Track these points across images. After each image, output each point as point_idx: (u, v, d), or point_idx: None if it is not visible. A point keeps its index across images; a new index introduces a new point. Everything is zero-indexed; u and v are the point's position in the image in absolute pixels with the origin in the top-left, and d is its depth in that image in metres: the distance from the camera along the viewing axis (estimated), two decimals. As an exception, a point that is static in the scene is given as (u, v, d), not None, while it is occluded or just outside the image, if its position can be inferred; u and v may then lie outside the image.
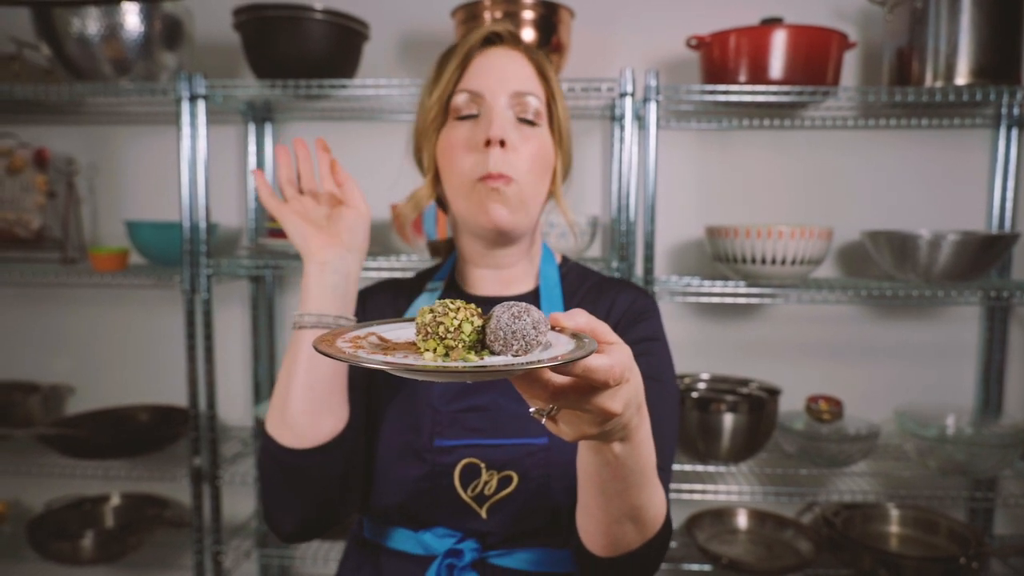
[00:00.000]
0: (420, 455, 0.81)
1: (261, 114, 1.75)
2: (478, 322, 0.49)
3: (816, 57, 1.45)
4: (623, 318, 0.87)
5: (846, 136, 1.69)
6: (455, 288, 0.93)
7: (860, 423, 1.60)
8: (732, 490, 1.59)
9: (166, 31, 1.55)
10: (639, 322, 0.86)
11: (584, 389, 0.49)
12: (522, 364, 0.44)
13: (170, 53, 1.57)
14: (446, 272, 0.95)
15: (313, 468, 0.78)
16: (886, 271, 1.55)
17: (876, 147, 1.69)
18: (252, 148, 1.75)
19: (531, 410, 0.53)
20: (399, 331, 0.56)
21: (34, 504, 1.86)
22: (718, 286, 1.51)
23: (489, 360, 0.48)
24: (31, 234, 1.67)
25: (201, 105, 1.49)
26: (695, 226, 1.71)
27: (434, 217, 1.47)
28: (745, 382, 1.66)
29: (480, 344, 0.50)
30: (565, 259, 0.97)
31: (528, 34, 1.47)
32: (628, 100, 1.44)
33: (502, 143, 0.81)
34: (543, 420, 0.53)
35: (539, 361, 0.45)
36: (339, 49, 1.52)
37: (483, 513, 0.80)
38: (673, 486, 1.55)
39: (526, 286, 0.92)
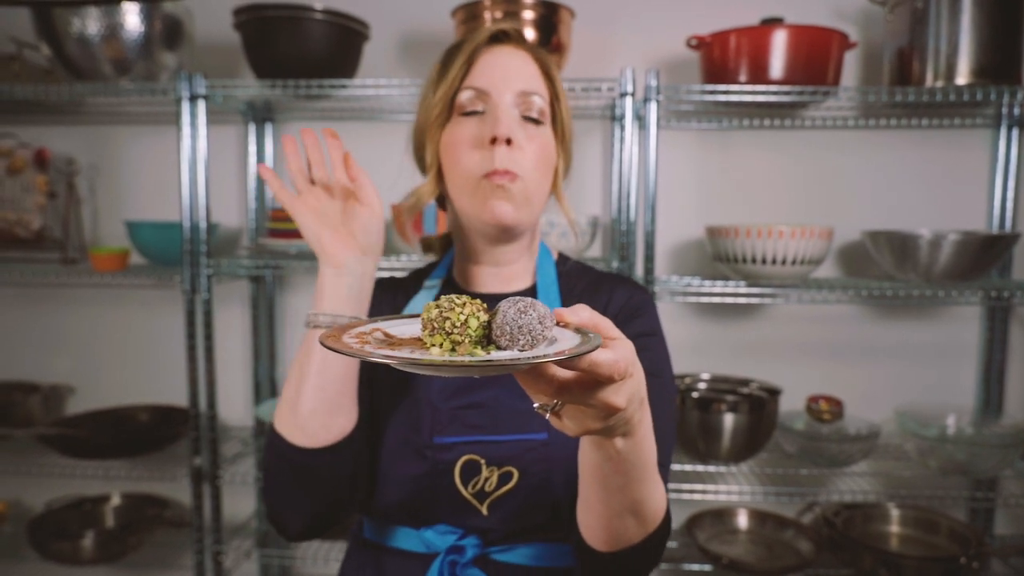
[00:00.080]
0: (420, 452, 0.81)
1: (261, 114, 1.75)
2: (484, 317, 0.50)
3: (816, 57, 1.45)
4: (620, 313, 0.87)
5: (846, 136, 1.69)
6: (453, 285, 0.93)
7: (860, 423, 1.60)
8: (732, 490, 1.59)
9: (166, 31, 1.55)
10: (636, 317, 0.87)
11: (589, 384, 0.49)
12: (528, 358, 0.45)
13: (170, 53, 1.57)
14: (444, 269, 0.95)
15: (323, 467, 0.78)
16: (886, 271, 1.55)
17: (876, 147, 1.69)
18: (252, 148, 1.75)
19: (535, 405, 0.53)
20: (403, 327, 0.56)
21: (34, 504, 1.86)
22: (718, 286, 1.51)
23: (496, 355, 0.48)
24: (31, 234, 1.67)
25: (201, 105, 1.49)
26: (695, 226, 1.71)
27: (434, 216, 1.48)
28: (745, 382, 1.66)
29: (486, 339, 0.50)
30: (562, 256, 0.98)
31: (528, 34, 1.47)
32: (628, 100, 1.44)
33: (508, 141, 0.81)
34: (547, 415, 0.53)
35: (545, 355, 0.45)
36: (339, 49, 1.52)
37: (484, 510, 0.81)
38: (673, 486, 1.55)
39: (524, 283, 0.92)
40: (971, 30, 1.39)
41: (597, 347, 0.46)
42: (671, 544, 1.64)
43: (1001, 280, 1.63)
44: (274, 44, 1.48)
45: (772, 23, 1.45)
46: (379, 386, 0.87)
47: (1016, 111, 1.61)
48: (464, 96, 0.83)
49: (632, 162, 1.47)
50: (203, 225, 1.52)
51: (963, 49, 1.40)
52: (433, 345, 0.49)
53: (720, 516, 1.69)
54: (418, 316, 0.56)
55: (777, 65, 1.45)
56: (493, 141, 0.81)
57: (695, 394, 1.66)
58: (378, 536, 0.87)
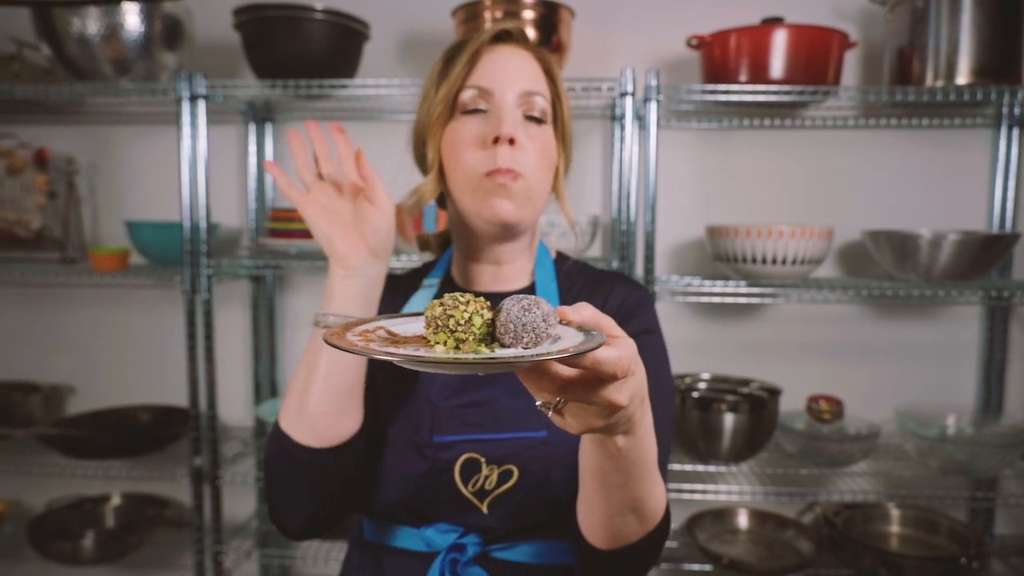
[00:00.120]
0: (420, 451, 0.81)
1: (261, 114, 1.75)
2: (488, 315, 0.50)
3: (817, 57, 1.45)
4: (618, 312, 0.88)
5: (847, 136, 1.69)
6: (451, 284, 0.93)
7: (861, 423, 1.60)
8: (733, 490, 1.59)
9: (166, 31, 1.55)
10: (634, 316, 0.87)
11: (592, 382, 0.49)
12: (532, 356, 0.45)
13: (170, 53, 1.57)
14: (442, 268, 0.95)
15: (330, 467, 0.78)
16: (887, 271, 1.55)
17: (877, 147, 1.69)
18: (252, 148, 1.75)
19: (538, 403, 0.53)
20: (407, 325, 0.56)
21: (35, 504, 1.86)
22: (719, 286, 1.51)
23: (500, 352, 0.48)
24: (31, 234, 1.67)
25: (201, 105, 1.49)
26: (695, 226, 1.71)
27: (434, 215, 1.47)
28: (746, 382, 1.66)
29: (490, 337, 0.50)
30: (560, 255, 0.98)
31: (528, 34, 1.47)
32: (628, 100, 1.44)
33: (511, 141, 0.81)
34: (550, 413, 0.53)
35: (551, 353, 0.45)
36: (339, 49, 1.52)
37: (484, 508, 0.81)
38: (673, 486, 1.55)
39: (523, 282, 0.92)
40: (971, 29, 1.39)
41: (601, 345, 0.46)
42: (671, 544, 1.64)
43: (1001, 280, 1.63)
44: (274, 44, 1.48)
45: (772, 23, 1.45)
46: (377, 386, 0.87)
47: (1016, 111, 1.61)
48: (467, 95, 0.83)
49: (632, 162, 1.47)
50: (203, 225, 1.52)
51: (963, 49, 1.40)
52: (437, 343, 0.49)
53: (720, 516, 1.69)
54: (421, 314, 0.56)
55: (777, 65, 1.44)
56: (496, 141, 0.81)
57: (695, 394, 1.66)
58: (378, 536, 0.87)
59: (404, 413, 0.84)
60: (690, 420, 1.53)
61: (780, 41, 1.44)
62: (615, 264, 1.50)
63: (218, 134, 1.72)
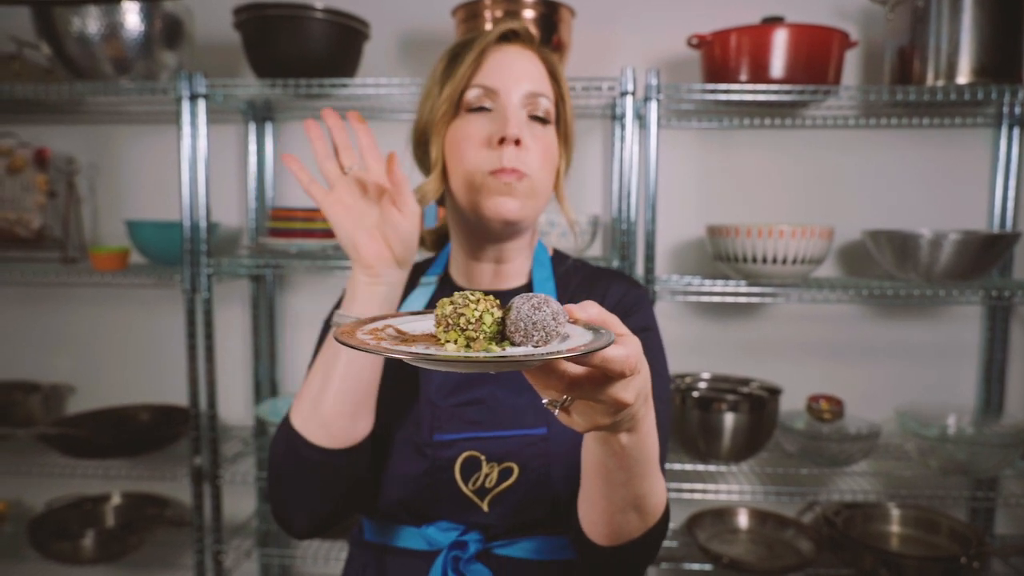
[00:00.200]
0: (420, 450, 0.81)
1: (262, 113, 1.75)
2: (498, 313, 0.50)
3: (817, 56, 1.45)
4: (616, 309, 0.88)
5: (847, 135, 1.69)
6: (450, 282, 0.93)
7: (861, 423, 1.60)
8: (733, 489, 1.59)
9: (166, 30, 1.55)
10: (632, 314, 0.87)
11: (599, 379, 0.50)
12: (544, 354, 0.45)
13: (170, 52, 1.57)
14: (441, 266, 0.95)
15: (343, 468, 0.78)
16: (887, 270, 1.55)
17: (877, 146, 1.69)
18: (252, 147, 1.75)
19: (544, 401, 0.53)
20: (415, 324, 0.56)
21: (35, 503, 1.86)
22: (719, 285, 1.51)
23: (511, 351, 0.48)
24: (31, 233, 1.67)
25: (201, 104, 1.49)
26: (696, 225, 1.71)
27: (434, 213, 1.48)
28: (746, 381, 1.66)
29: (500, 335, 0.50)
30: (557, 253, 0.98)
31: (529, 33, 1.47)
32: (629, 99, 1.44)
33: (517, 142, 0.81)
34: (556, 411, 0.54)
35: (559, 352, 0.45)
36: (339, 48, 1.52)
37: (484, 506, 0.81)
38: (674, 485, 1.55)
39: (521, 280, 0.92)
40: (972, 29, 1.39)
41: (611, 343, 0.47)
42: (671, 543, 1.64)
43: (1002, 280, 1.63)
44: (274, 43, 1.48)
45: (773, 22, 1.45)
46: (379, 385, 0.87)
47: (1017, 110, 1.61)
48: (472, 94, 0.83)
49: (632, 161, 1.47)
50: (203, 224, 1.51)
51: (964, 48, 1.40)
52: (448, 341, 0.49)
53: (720, 515, 1.69)
54: (428, 312, 0.56)
55: (778, 64, 1.44)
56: (502, 141, 0.81)
57: (695, 393, 1.65)
58: (379, 536, 0.87)
59: (404, 412, 0.84)
60: (690, 420, 1.53)
61: (781, 40, 1.44)
62: (615, 263, 1.50)
63: (218, 133, 1.72)
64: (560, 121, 0.88)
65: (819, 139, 1.70)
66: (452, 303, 0.50)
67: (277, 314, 1.83)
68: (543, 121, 0.85)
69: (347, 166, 0.77)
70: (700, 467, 1.62)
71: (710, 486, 1.58)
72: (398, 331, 0.53)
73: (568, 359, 0.47)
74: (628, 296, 0.90)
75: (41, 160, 1.67)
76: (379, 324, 0.54)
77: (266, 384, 1.81)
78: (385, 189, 0.76)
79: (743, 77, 1.47)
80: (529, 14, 1.45)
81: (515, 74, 0.83)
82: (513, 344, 0.50)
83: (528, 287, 0.92)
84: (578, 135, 1.65)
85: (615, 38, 1.70)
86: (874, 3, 1.55)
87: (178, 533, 1.77)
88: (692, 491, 1.57)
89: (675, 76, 1.70)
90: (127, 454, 1.64)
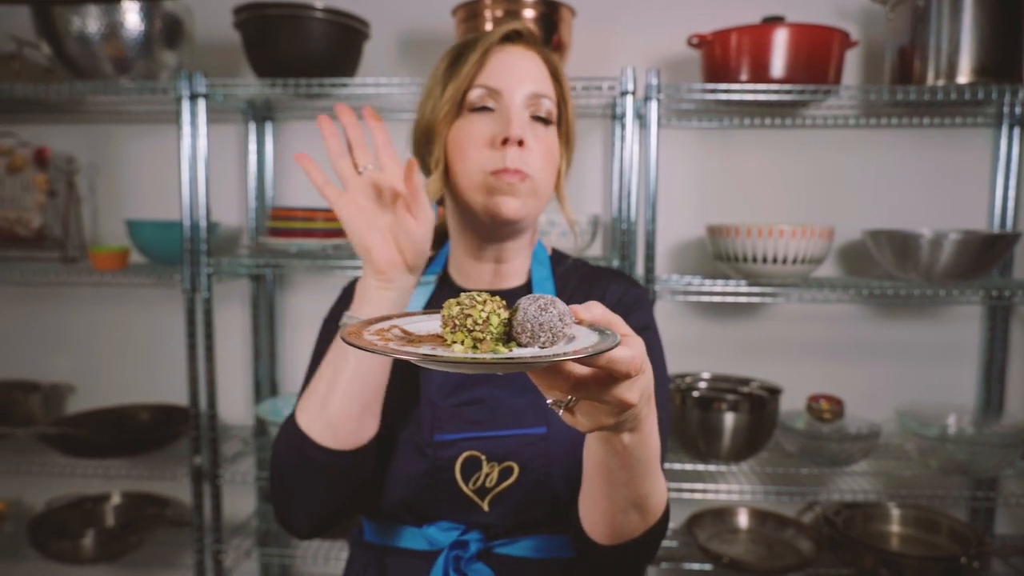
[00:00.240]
0: (421, 451, 0.81)
1: (261, 113, 1.75)
2: (504, 314, 0.50)
3: (818, 56, 1.45)
4: (615, 308, 0.87)
5: (847, 135, 1.69)
6: (448, 281, 0.93)
7: (861, 422, 1.60)
8: (733, 489, 1.59)
9: (166, 30, 1.54)
10: (631, 312, 0.87)
11: (605, 380, 0.50)
12: (551, 355, 0.45)
13: (170, 52, 1.57)
14: (439, 265, 0.95)
15: (349, 469, 0.78)
16: (887, 270, 1.54)
17: (877, 146, 1.69)
18: (253, 147, 1.75)
19: (548, 401, 0.54)
20: (420, 324, 0.56)
21: (35, 503, 1.86)
22: (719, 285, 1.51)
23: (519, 352, 0.48)
24: (31, 233, 1.67)
25: (201, 104, 1.49)
26: (696, 225, 1.71)
27: (435, 212, 1.47)
28: (746, 381, 1.66)
29: (506, 336, 0.50)
30: (556, 252, 0.98)
31: (529, 33, 1.47)
32: (629, 99, 1.44)
33: (520, 143, 0.81)
34: (560, 412, 0.54)
35: (566, 353, 0.45)
36: (339, 48, 1.52)
37: (485, 506, 0.81)
38: (674, 485, 1.55)
39: (520, 280, 0.92)
40: (972, 28, 1.39)
41: (618, 344, 0.47)
42: (672, 543, 1.64)
43: (1002, 279, 1.63)
44: (274, 43, 1.48)
45: (773, 22, 1.45)
46: None
47: (1017, 110, 1.61)
48: (475, 94, 0.83)
49: (633, 161, 1.47)
50: (203, 224, 1.51)
51: (964, 48, 1.40)
52: (455, 342, 0.49)
53: (720, 515, 1.69)
54: (432, 312, 0.56)
55: (778, 64, 1.44)
56: (505, 142, 0.81)
57: (695, 393, 1.65)
58: (380, 537, 0.87)
59: (404, 413, 0.84)
60: (690, 419, 1.53)
61: (781, 40, 1.44)
62: (615, 263, 1.50)
63: (218, 133, 1.72)
64: (562, 122, 0.89)
65: (819, 139, 1.70)
66: (459, 304, 0.50)
67: (277, 314, 1.83)
68: (545, 122, 0.85)
69: (361, 165, 0.76)
70: (700, 467, 1.61)
71: (710, 486, 1.58)
72: (404, 331, 0.53)
73: (574, 360, 0.47)
74: (627, 295, 0.90)
75: (41, 159, 1.67)
76: (385, 324, 0.54)
77: (266, 384, 1.81)
78: (400, 194, 0.75)
79: (743, 77, 1.47)
80: (529, 13, 1.45)
81: (518, 75, 0.83)
82: (520, 345, 0.50)
83: (527, 287, 0.92)
84: (578, 135, 1.65)
85: (615, 38, 1.70)
86: (874, 3, 1.55)
87: (178, 533, 1.77)
88: (692, 491, 1.57)
89: (675, 76, 1.70)
90: (127, 454, 1.64)
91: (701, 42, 1.51)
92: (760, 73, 1.45)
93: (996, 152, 1.66)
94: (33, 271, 1.66)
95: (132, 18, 1.50)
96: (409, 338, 0.52)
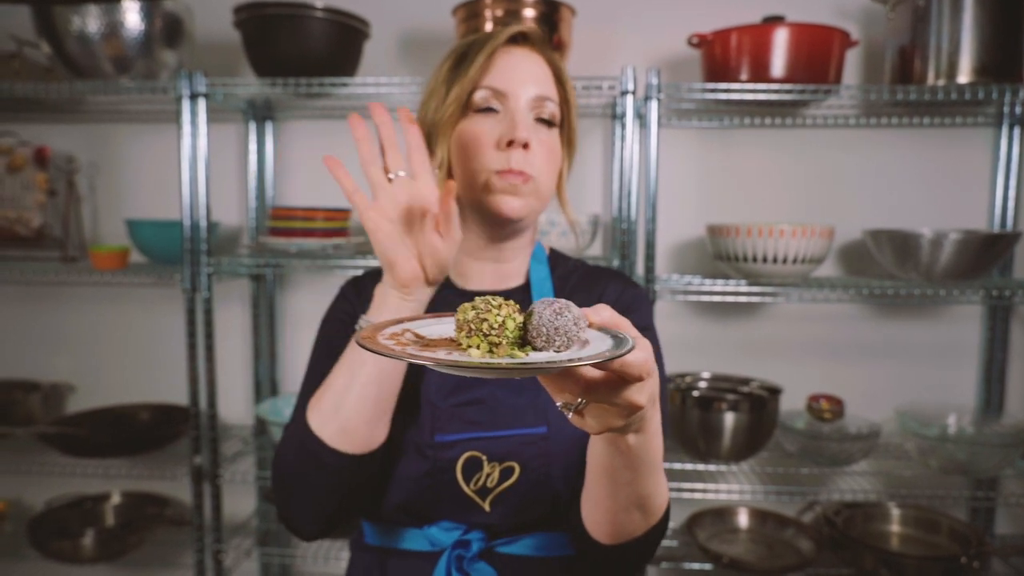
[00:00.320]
0: (422, 452, 0.81)
1: (262, 112, 1.75)
2: (520, 318, 0.50)
3: (818, 55, 1.45)
4: (614, 308, 0.88)
5: (848, 134, 1.69)
6: (447, 281, 0.93)
7: (861, 422, 1.60)
8: (733, 489, 1.59)
9: (166, 29, 1.54)
10: (630, 313, 0.87)
11: (615, 383, 0.50)
12: (566, 360, 0.45)
13: (170, 51, 1.57)
14: None
15: (358, 472, 0.78)
16: (887, 270, 1.54)
17: (878, 145, 1.69)
18: (253, 147, 1.75)
19: (558, 404, 0.54)
20: (431, 327, 0.56)
21: (35, 503, 1.86)
22: (719, 285, 1.51)
23: (535, 356, 0.48)
24: (31, 232, 1.67)
25: (201, 103, 1.49)
26: (696, 225, 1.71)
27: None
28: (746, 381, 1.66)
29: (521, 340, 0.50)
30: (554, 252, 0.99)
31: (529, 32, 1.46)
32: (629, 98, 1.44)
33: (525, 146, 0.81)
34: (570, 414, 0.54)
35: (580, 358, 0.45)
36: (340, 47, 1.52)
37: (486, 506, 0.81)
38: (674, 485, 1.55)
39: (519, 280, 0.92)
40: (973, 28, 1.39)
41: (632, 348, 0.47)
42: (672, 543, 1.64)
43: (1002, 279, 1.63)
44: (274, 42, 1.48)
45: (773, 21, 1.45)
46: None
47: (1018, 110, 1.60)
48: (480, 95, 0.84)
49: (633, 160, 1.47)
50: (203, 223, 1.51)
51: (965, 47, 1.40)
52: (471, 347, 0.49)
53: (720, 515, 1.69)
54: (443, 315, 0.56)
55: (778, 63, 1.44)
56: (510, 143, 0.81)
57: (696, 393, 1.65)
58: (381, 539, 0.87)
59: (404, 414, 0.84)
60: (690, 419, 1.53)
61: (781, 40, 1.43)
62: (616, 263, 1.50)
63: (218, 132, 1.72)
64: (564, 124, 0.89)
65: (819, 138, 1.70)
66: (474, 308, 0.50)
67: (277, 313, 1.83)
68: (549, 124, 0.85)
69: (392, 171, 0.73)
70: (700, 467, 1.61)
71: (710, 486, 1.58)
72: (416, 335, 0.53)
73: (591, 365, 0.47)
74: (625, 295, 0.90)
75: (41, 159, 1.67)
76: (397, 328, 0.54)
77: (266, 383, 1.81)
78: (427, 210, 0.73)
79: (744, 76, 1.47)
80: (530, 13, 1.45)
81: (523, 77, 0.84)
82: (534, 349, 0.50)
83: (526, 287, 0.92)
84: (579, 134, 1.65)
85: (615, 37, 1.70)
86: (875, 2, 1.55)
87: (178, 532, 1.77)
88: (692, 491, 1.57)
89: (675, 75, 1.69)
90: (127, 453, 1.64)
91: (701, 42, 1.51)
92: (760, 73, 1.45)
93: (996, 152, 1.66)
94: (33, 271, 1.66)
95: (132, 17, 1.50)
96: (423, 342, 0.52)
